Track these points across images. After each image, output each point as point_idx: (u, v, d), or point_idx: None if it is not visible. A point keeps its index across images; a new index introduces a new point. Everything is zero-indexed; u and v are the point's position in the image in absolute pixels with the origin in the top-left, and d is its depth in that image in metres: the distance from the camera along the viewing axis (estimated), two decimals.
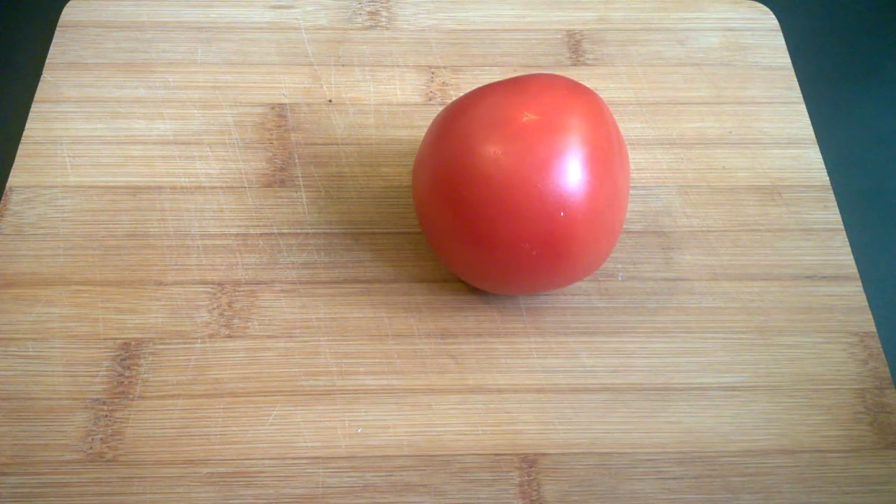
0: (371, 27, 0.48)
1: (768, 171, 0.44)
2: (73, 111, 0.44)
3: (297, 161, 0.43)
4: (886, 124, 0.49)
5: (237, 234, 0.41)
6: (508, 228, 0.33)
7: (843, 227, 0.42)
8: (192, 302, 0.39)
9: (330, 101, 0.45)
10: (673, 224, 0.42)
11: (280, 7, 0.49)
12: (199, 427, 0.36)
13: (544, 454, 0.35)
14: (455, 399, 0.37)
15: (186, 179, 0.42)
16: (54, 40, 0.47)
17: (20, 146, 0.43)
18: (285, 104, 0.45)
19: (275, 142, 0.44)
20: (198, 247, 0.40)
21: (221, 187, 0.42)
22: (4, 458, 0.35)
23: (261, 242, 0.40)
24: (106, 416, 0.36)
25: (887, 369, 0.38)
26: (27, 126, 0.44)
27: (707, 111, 0.46)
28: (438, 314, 0.39)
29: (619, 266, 0.40)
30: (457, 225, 0.34)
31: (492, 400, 0.37)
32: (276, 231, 0.41)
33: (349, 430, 0.36)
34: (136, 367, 0.37)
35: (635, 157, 0.44)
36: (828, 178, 0.43)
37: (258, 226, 0.41)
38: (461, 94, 0.39)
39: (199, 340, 0.38)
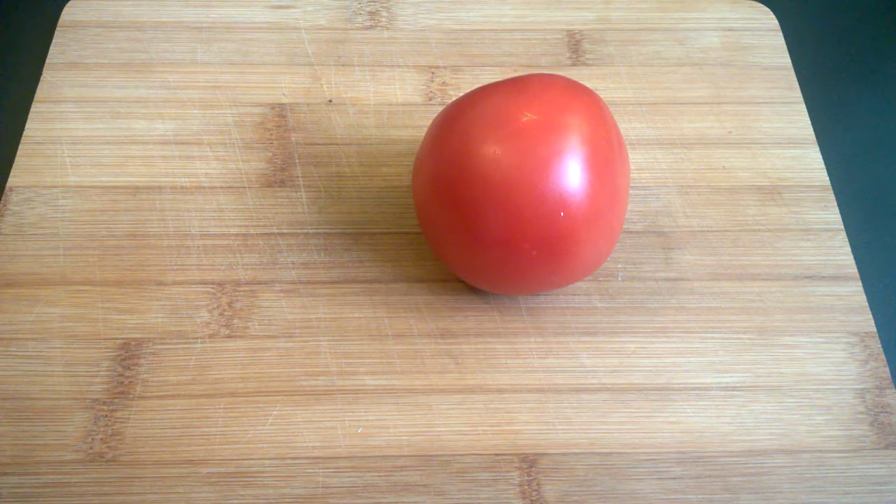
0: (371, 27, 0.48)
1: (768, 171, 0.44)
2: (73, 111, 0.44)
3: (297, 161, 0.43)
4: (886, 124, 0.49)
5: (237, 234, 0.41)
6: (508, 228, 0.33)
7: (843, 227, 0.42)
8: (192, 302, 0.39)
9: (330, 101, 0.45)
10: (673, 224, 0.42)
11: (280, 7, 0.49)
12: (199, 427, 0.36)
13: (544, 454, 0.35)
14: (455, 399, 0.37)
15: (186, 179, 0.42)
16: (54, 40, 0.47)
17: (20, 146, 0.43)
18: (285, 104, 0.45)
19: (275, 142, 0.44)
20: (198, 247, 0.40)
21: (221, 187, 0.42)
22: (4, 458, 0.35)
23: (261, 242, 0.40)
24: (106, 416, 0.36)
25: (887, 369, 0.38)
26: (27, 126, 0.44)
27: (707, 111, 0.46)
28: (438, 314, 0.39)
29: (619, 266, 0.40)
30: (457, 225, 0.34)
31: (492, 400, 0.37)
32: (276, 231, 0.41)
33: (349, 430, 0.36)
34: (136, 367, 0.37)
35: (635, 157, 0.44)
36: (828, 178, 0.43)
37: (258, 226, 0.41)
38: (461, 94, 0.39)
39: (199, 340, 0.38)
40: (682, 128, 0.45)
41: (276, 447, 0.35)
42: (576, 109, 0.34)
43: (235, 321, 0.38)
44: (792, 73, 0.47)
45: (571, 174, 0.33)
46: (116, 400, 0.36)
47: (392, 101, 0.45)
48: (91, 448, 0.35)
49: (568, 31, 0.49)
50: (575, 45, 0.48)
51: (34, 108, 0.44)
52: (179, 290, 0.39)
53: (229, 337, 0.38)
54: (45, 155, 0.43)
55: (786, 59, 0.48)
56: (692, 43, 0.48)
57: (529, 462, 0.35)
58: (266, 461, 0.35)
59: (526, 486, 0.35)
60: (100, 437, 0.35)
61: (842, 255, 0.41)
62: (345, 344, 0.38)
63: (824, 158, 0.44)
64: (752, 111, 0.46)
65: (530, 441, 0.36)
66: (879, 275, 0.42)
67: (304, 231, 0.41)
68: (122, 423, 0.35)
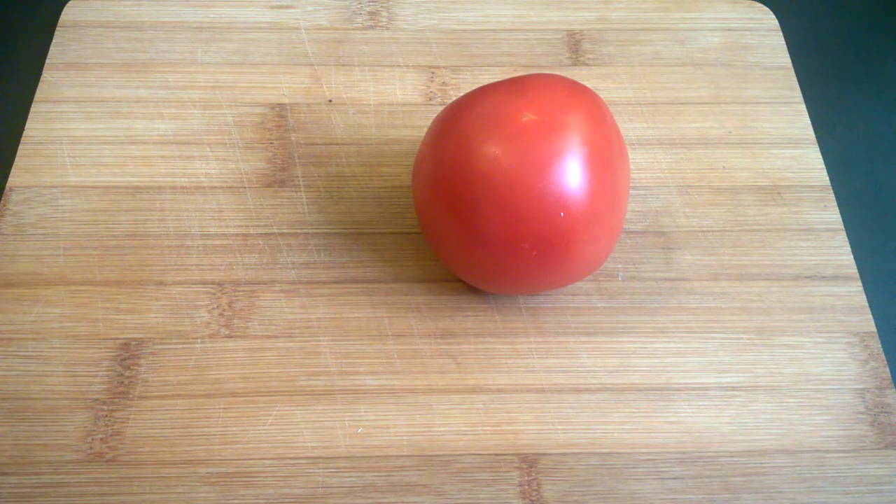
0: (371, 27, 0.48)
1: (768, 171, 0.44)
2: (73, 111, 0.44)
3: (297, 161, 0.43)
4: (886, 124, 0.49)
5: (237, 234, 0.41)
6: (508, 228, 0.33)
7: (843, 227, 0.42)
8: (192, 302, 0.39)
9: (330, 101, 0.45)
10: (673, 224, 0.42)
11: (280, 7, 0.49)
12: (199, 427, 0.36)
13: (544, 454, 0.35)
14: (455, 399, 0.37)
15: (186, 179, 0.42)
16: (54, 40, 0.47)
17: (20, 146, 0.43)
18: (285, 104, 0.45)
19: (275, 142, 0.44)
20: (198, 247, 0.40)
21: (221, 187, 0.42)
22: (4, 458, 0.35)
23: (261, 242, 0.40)
24: (106, 416, 0.36)
25: (887, 369, 0.38)
26: (27, 126, 0.44)
27: (707, 111, 0.46)
28: (438, 314, 0.39)
29: (619, 266, 0.40)
30: (457, 225, 0.34)
31: (492, 400, 0.37)
32: (276, 231, 0.41)
33: (349, 430, 0.36)
34: (136, 367, 0.37)
35: (635, 157, 0.44)
36: (828, 178, 0.43)
37: (258, 226, 0.41)
38: (461, 94, 0.39)
39: (199, 340, 0.38)
40: (682, 128, 0.45)
41: (276, 447, 0.35)
42: (576, 109, 0.34)
43: (235, 321, 0.38)
44: (792, 73, 0.47)
45: (571, 174, 0.33)
46: (116, 400, 0.36)
47: (392, 101, 0.45)
48: (91, 448, 0.35)
49: (568, 31, 0.49)
50: (575, 45, 0.48)
51: (34, 108, 0.44)
52: (179, 290, 0.39)
53: (229, 337, 0.38)
54: (45, 155, 0.43)
55: (786, 59, 0.48)
56: (692, 43, 0.48)
57: (529, 462, 0.35)
58: (266, 461, 0.35)
59: (526, 486, 0.35)
60: (100, 437, 0.35)
61: (842, 255, 0.41)
62: (345, 344, 0.38)
63: (824, 158, 0.44)
64: (752, 111, 0.46)
65: (530, 441, 0.36)
66: (879, 275, 0.42)
67: (304, 231, 0.41)
68: (122, 423, 0.35)
